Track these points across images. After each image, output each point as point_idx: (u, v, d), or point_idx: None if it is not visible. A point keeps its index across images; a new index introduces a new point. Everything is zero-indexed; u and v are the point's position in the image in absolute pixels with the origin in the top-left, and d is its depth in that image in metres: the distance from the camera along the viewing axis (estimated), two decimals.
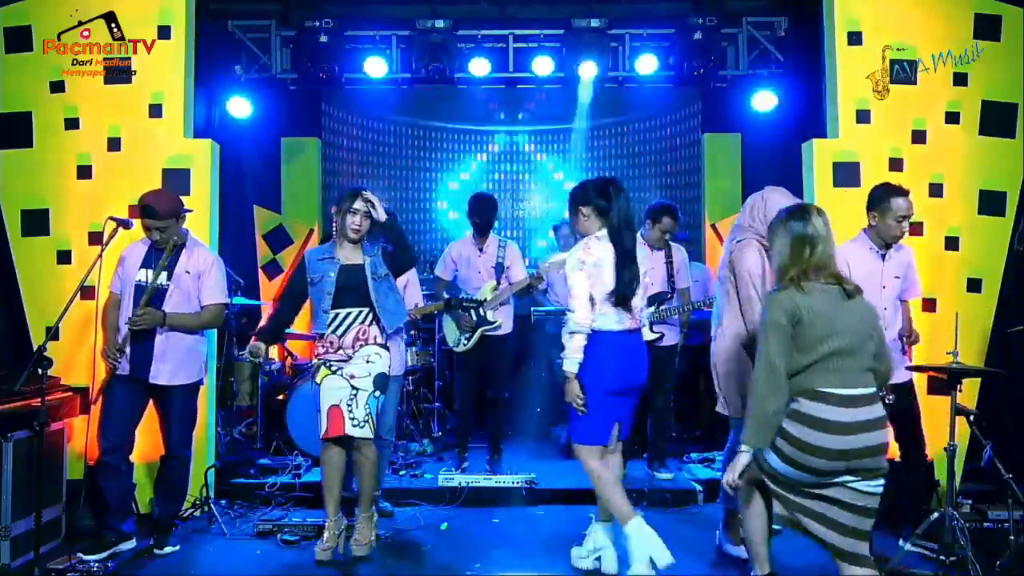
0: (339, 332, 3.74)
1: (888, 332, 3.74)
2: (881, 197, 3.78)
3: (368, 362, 3.73)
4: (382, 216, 3.76)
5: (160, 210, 3.76)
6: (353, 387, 3.70)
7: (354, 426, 3.67)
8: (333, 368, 3.74)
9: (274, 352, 6.27)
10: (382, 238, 3.85)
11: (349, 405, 3.68)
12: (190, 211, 4.00)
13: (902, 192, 3.75)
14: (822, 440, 2.64)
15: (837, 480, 2.69)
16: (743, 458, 2.83)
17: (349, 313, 3.75)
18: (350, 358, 3.73)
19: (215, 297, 3.95)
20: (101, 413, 3.84)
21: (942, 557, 3.33)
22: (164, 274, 3.81)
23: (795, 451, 2.69)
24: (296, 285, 3.88)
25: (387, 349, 3.82)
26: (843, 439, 2.64)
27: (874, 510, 2.73)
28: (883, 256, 3.81)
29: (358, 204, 3.77)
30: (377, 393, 3.74)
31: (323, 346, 3.77)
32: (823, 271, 2.80)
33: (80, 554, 3.65)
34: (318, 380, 3.76)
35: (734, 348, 3.55)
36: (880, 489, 2.72)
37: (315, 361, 3.81)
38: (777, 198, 3.60)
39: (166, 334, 3.81)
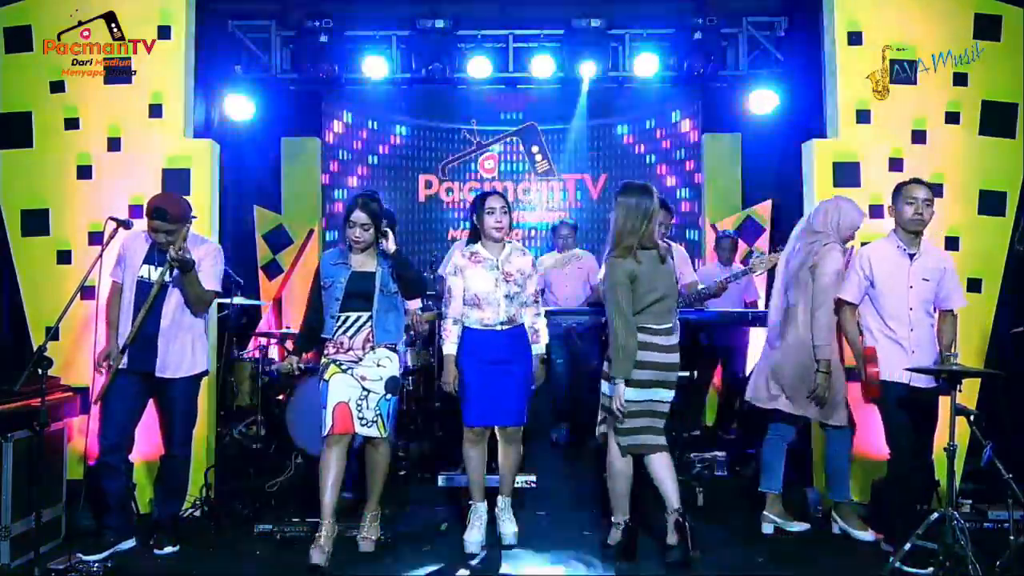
0: (349, 334, 3.75)
1: (915, 332, 3.76)
2: (897, 187, 3.87)
3: (379, 365, 3.76)
4: (391, 248, 3.73)
5: (171, 214, 3.75)
6: (365, 388, 3.73)
7: (363, 425, 3.72)
8: (344, 367, 3.75)
9: (274, 352, 6.28)
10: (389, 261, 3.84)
11: (359, 405, 3.71)
12: (196, 217, 4.00)
13: (917, 181, 3.84)
14: (652, 356, 3.59)
15: (652, 396, 3.62)
16: (621, 387, 3.56)
17: (359, 316, 3.76)
18: (360, 359, 3.74)
19: (209, 284, 3.93)
20: (101, 411, 3.84)
21: (942, 557, 3.32)
22: (165, 270, 3.81)
23: (637, 371, 3.56)
24: (316, 291, 3.87)
25: (397, 352, 3.83)
26: (661, 355, 3.63)
27: (667, 412, 3.72)
28: (911, 256, 3.78)
29: (355, 216, 3.76)
30: (388, 396, 3.76)
31: (333, 346, 3.78)
32: (649, 239, 3.62)
33: (80, 554, 3.64)
34: (326, 377, 3.75)
35: (808, 347, 3.84)
36: (671, 397, 3.70)
37: (324, 360, 3.81)
38: (848, 207, 3.99)
39: (170, 328, 3.80)
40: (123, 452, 3.82)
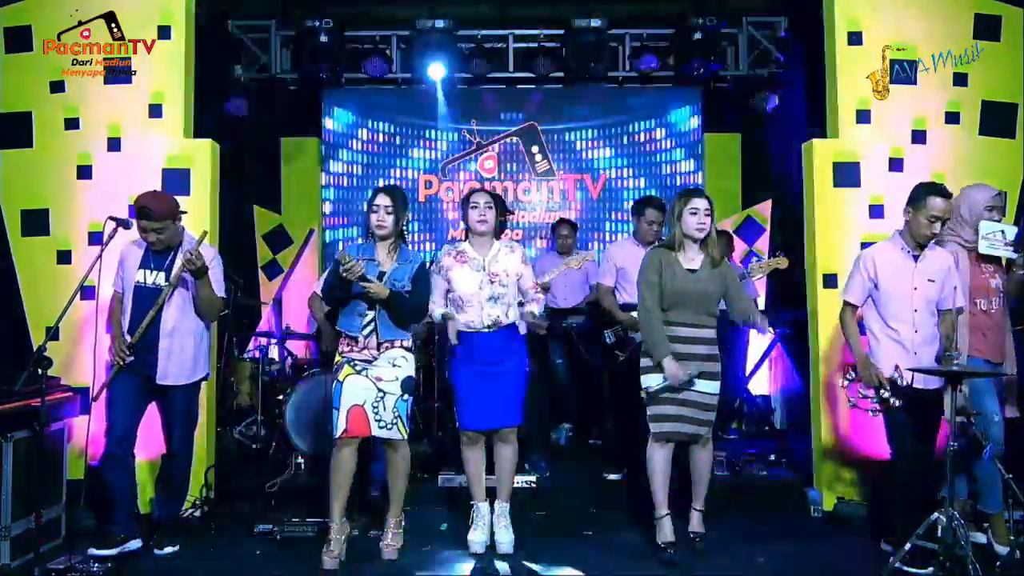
0: (366, 332, 3.66)
1: (919, 333, 3.72)
2: (919, 195, 3.72)
3: (395, 365, 3.67)
4: (381, 294, 3.59)
5: (156, 211, 3.74)
6: (380, 390, 3.64)
7: (381, 428, 3.63)
8: (357, 368, 3.67)
9: (274, 352, 6.28)
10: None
11: (375, 407, 3.62)
12: (185, 212, 4.00)
13: (943, 193, 3.69)
14: None
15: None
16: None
17: (375, 315, 3.68)
18: (375, 359, 3.67)
19: (216, 291, 3.94)
20: (106, 406, 3.83)
21: (942, 557, 3.32)
22: (162, 274, 3.81)
23: None
24: (336, 274, 3.61)
25: (412, 352, 3.77)
26: None
27: None
28: (915, 257, 3.75)
29: (378, 199, 3.70)
30: (405, 396, 3.68)
31: (347, 344, 3.70)
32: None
33: (92, 549, 3.65)
34: (340, 378, 3.66)
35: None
36: None
37: (339, 359, 3.74)
38: (974, 194, 3.91)
39: (172, 334, 3.80)
40: (129, 445, 3.81)
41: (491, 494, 4.00)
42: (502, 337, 3.82)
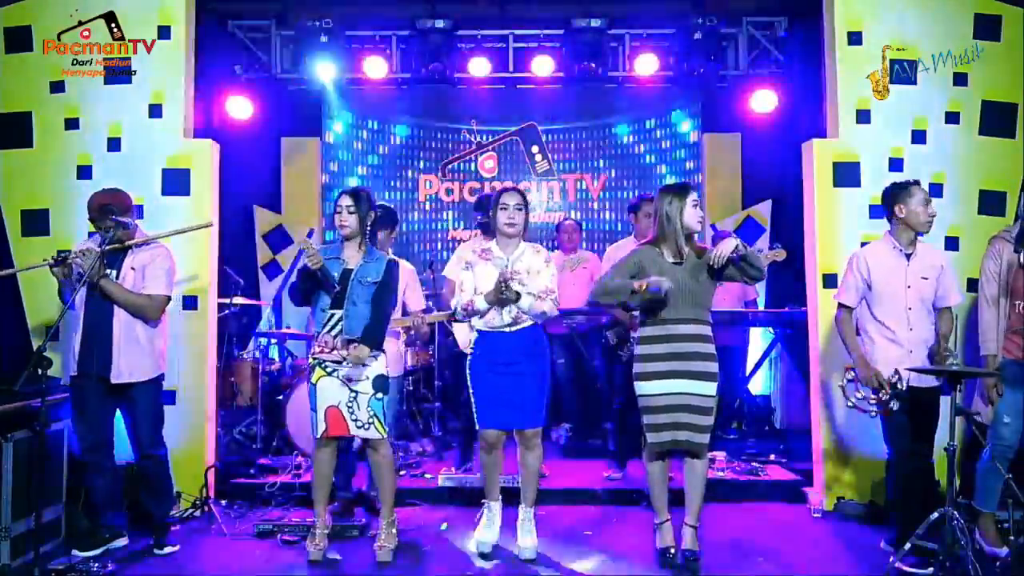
0: (333, 332, 3.71)
1: (915, 332, 3.73)
2: (900, 190, 3.76)
3: (364, 365, 3.69)
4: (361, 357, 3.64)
5: (121, 206, 3.77)
6: (352, 390, 3.70)
7: (358, 428, 3.70)
8: (328, 369, 3.71)
9: (274, 352, 6.28)
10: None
11: (350, 407, 3.69)
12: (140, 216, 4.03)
13: (915, 182, 3.79)
14: None
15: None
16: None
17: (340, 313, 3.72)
18: (345, 359, 3.68)
19: (156, 288, 3.85)
20: (73, 416, 3.84)
21: (942, 557, 3.32)
22: (113, 272, 3.79)
23: None
24: (303, 273, 3.75)
25: (383, 351, 3.79)
26: None
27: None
28: (907, 256, 3.77)
29: (341, 201, 3.82)
30: (379, 395, 3.72)
31: (319, 346, 3.74)
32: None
33: (74, 551, 3.66)
34: (313, 380, 3.73)
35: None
36: None
37: (311, 361, 3.79)
38: None
39: (122, 331, 3.77)
40: (104, 449, 3.83)
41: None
42: (523, 337, 3.76)
